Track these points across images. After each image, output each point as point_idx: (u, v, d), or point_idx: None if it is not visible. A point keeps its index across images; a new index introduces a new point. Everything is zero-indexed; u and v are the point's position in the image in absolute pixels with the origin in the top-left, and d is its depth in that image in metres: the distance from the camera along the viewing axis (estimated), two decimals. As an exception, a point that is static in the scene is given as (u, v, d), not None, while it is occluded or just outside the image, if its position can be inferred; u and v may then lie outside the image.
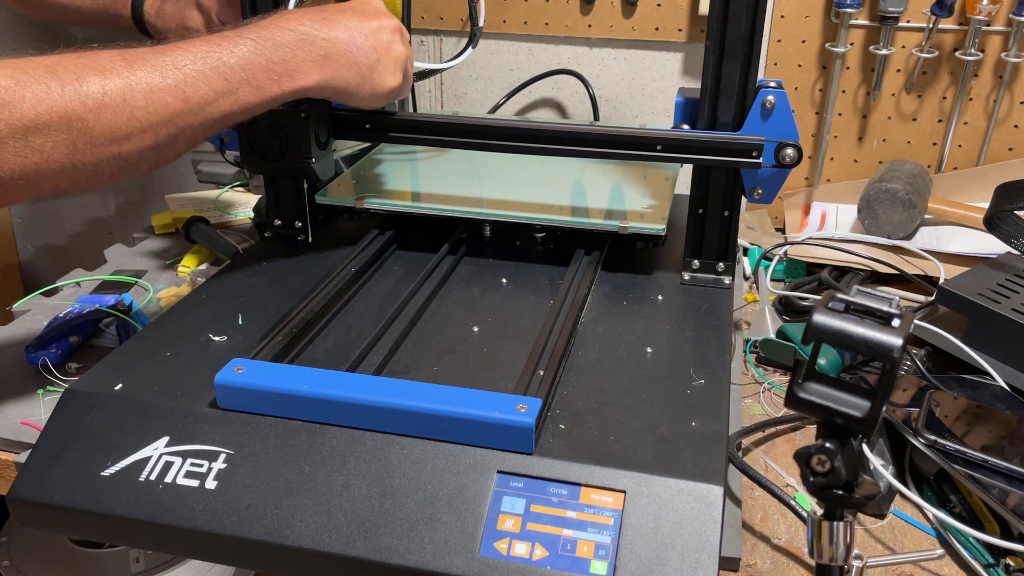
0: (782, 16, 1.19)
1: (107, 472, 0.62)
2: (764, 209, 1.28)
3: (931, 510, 0.70)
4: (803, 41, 1.20)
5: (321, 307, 0.76)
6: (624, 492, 0.57)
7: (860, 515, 0.73)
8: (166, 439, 0.63)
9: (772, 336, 0.94)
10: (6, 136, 0.56)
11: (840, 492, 0.50)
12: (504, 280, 0.85)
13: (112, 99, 0.60)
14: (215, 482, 0.61)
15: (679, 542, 0.55)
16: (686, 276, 0.85)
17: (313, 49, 0.70)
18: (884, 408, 0.48)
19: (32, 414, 0.78)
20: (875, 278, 1.08)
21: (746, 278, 1.10)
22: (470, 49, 1.00)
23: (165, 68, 0.63)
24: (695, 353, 0.72)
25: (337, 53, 0.72)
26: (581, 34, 1.28)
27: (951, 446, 0.72)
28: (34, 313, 0.97)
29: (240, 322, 0.76)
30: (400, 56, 0.78)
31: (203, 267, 1.06)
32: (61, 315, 0.92)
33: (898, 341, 0.47)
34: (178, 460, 0.62)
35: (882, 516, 0.73)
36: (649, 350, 0.73)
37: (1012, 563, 0.66)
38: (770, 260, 1.11)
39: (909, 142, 1.21)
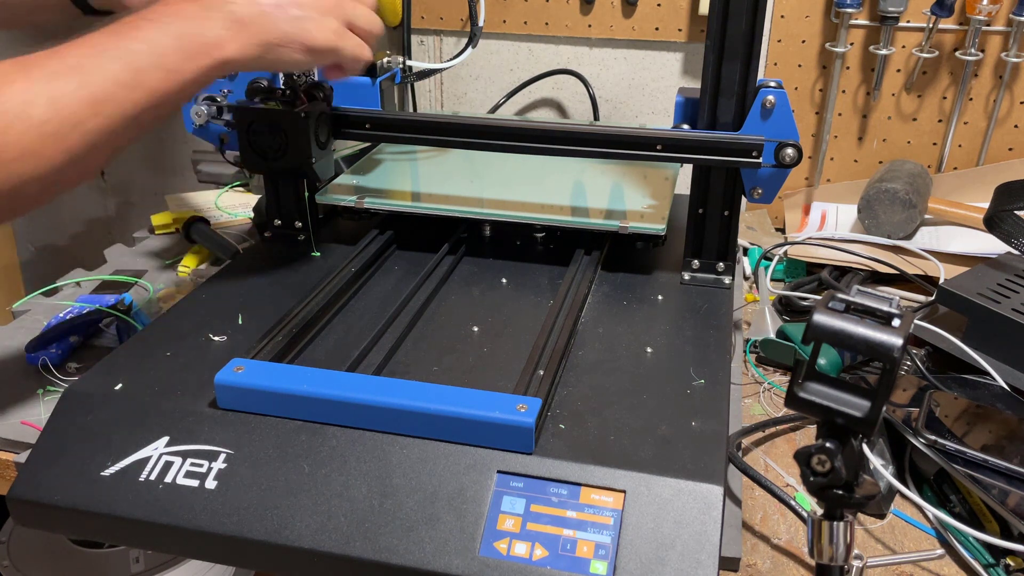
0: (782, 16, 1.19)
1: (107, 472, 0.62)
2: (764, 209, 1.28)
3: (931, 510, 0.70)
4: (803, 41, 1.20)
5: (321, 307, 0.76)
6: (624, 492, 0.57)
7: (860, 515, 0.72)
8: (166, 439, 0.63)
9: (772, 336, 0.94)
10: None
11: (840, 492, 0.50)
12: (504, 280, 0.85)
13: (11, 116, 0.55)
14: (215, 482, 0.61)
15: (679, 542, 0.55)
16: (686, 276, 0.85)
17: (224, 16, 0.63)
18: (884, 408, 0.48)
19: (32, 414, 0.78)
20: (875, 278, 1.08)
21: (746, 278, 1.10)
22: (470, 49, 1.01)
23: (63, 71, 0.58)
24: (695, 353, 0.72)
25: (252, 15, 0.65)
26: (581, 34, 1.28)
27: (951, 446, 0.72)
28: (34, 313, 0.97)
29: (240, 322, 0.76)
30: (328, 5, 0.70)
31: (203, 267, 1.06)
32: (61, 315, 0.92)
33: (898, 341, 0.47)
34: (178, 460, 0.62)
35: (882, 516, 0.73)
36: (649, 350, 0.73)
37: (1012, 563, 0.66)
38: (770, 260, 1.11)
39: (909, 142, 1.21)
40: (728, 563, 0.60)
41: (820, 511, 0.53)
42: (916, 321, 0.89)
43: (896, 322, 0.48)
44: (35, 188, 0.58)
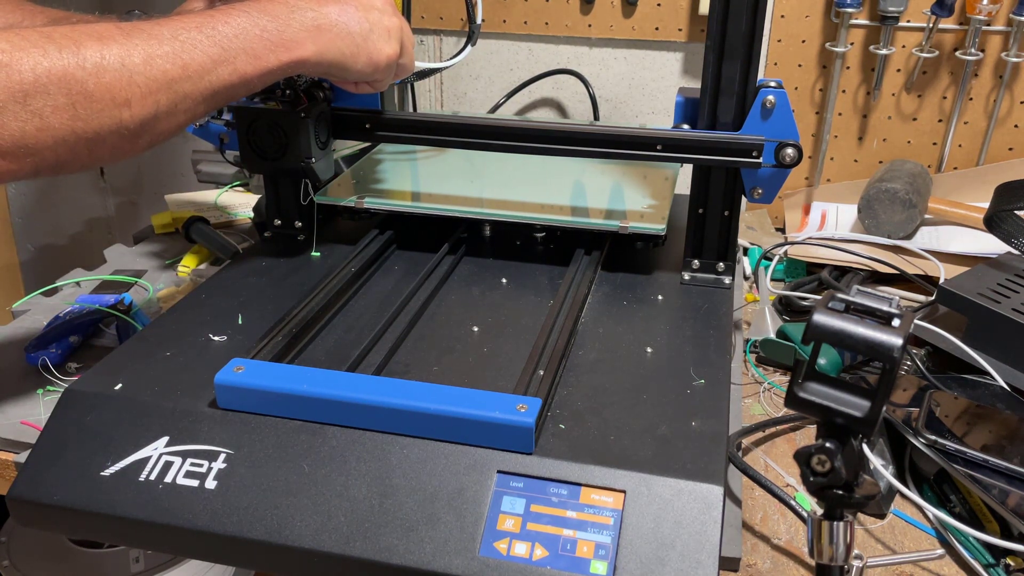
0: (782, 16, 1.19)
1: (107, 472, 0.62)
2: (764, 209, 1.28)
3: (931, 510, 0.70)
4: (803, 41, 1.20)
5: (321, 307, 0.76)
6: (624, 492, 0.57)
7: (860, 515, 0.72)
8: (166, 439, 0.63)
9: (772, 336, 0.94)
10: (5, 100, 0.55)
11: (840, 492, 0.50)
12: (504, 280, 0.85)
13: (111, 63, 0.60)
14: (215, 482, 0.61)
15: (679, 542, 0.55)
16: (686, 276, 0.85)
17: (305, 20, 0.70)
18: (884, 408, 0.48)
19: (32, 414, 0.78)
20: (875, 278, 1.08)
21: (746, 278, 1.10)
22: (469, 48, 1.00)
23: (162, 37, 0.63)
24: (695, 353, 0.72)
25: (329, 24, 0.71)
26: (581, 34, 1.28)
27: (951, 446, 0.72)
28: (34, 313, 0.97)
29: (240, 322, 0.76)
30: (393, 26, 0.77)
31: (203, 267, 1.06)
32: (61, 315, 0.92)
33: (898, 341, 0.47)
34: (178, 460, 0.62)
35: (882, 516, 0.73)
36: (649, 350, 0.73)
37: (1012, 563, 0.66)
38: (770, 260, 1.11)
39: (909, 142, 1.21)
40: (728, 563, 0.60)
41: (820, 511, 0.53)
42: (916, 321, 0.89)
43: (896, 322, 0.48)
44: (116, 139, 0.62)
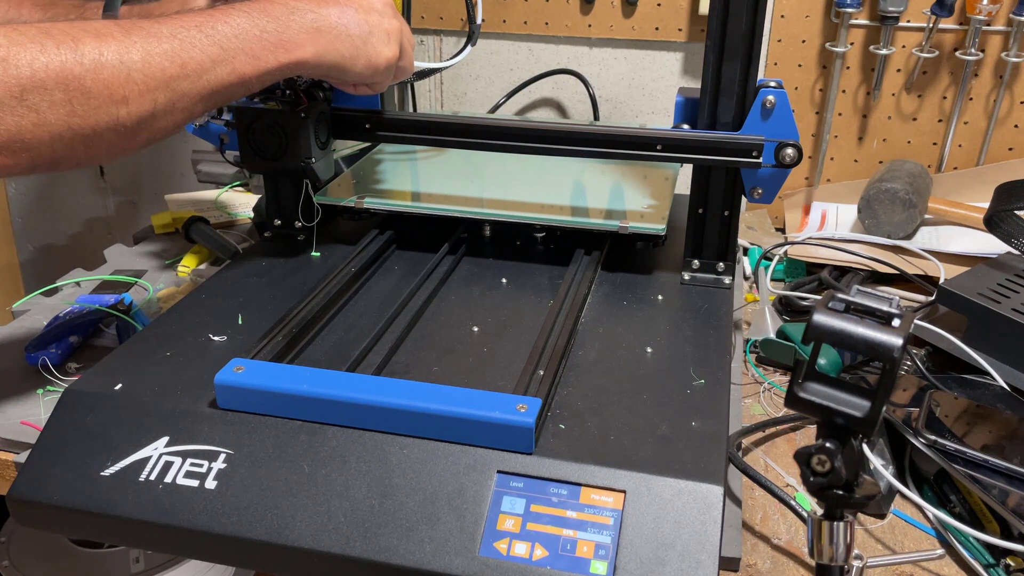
0: (782, 16, 1.19)
1: (107, 472, 0.62)
2: (764, 209, 1.28)
3: (931, 510, 0.70)
4: (803, 41, 1.20)
5: (321, 307, 0.76)
6: (624, 492, 0.57)
7: (860, 515, 0.73)
8: (166, 439, 0.63)
9: (772, 336, 0.94)
10: (2, 95, 0.55)
11: (840, 492, 0.50)
12: (504, 280, 0.85)
13: (109, 60, 0.60)
14: (215, 482, 0.61)
15: (679, 542, 0.55)
16: (686, 276, 0.85)
17: (304, 22, 0.70)
18: (884, 408, 0.48)
19: (32, 414, 0.78)
20: (875, 278, 1.08)
21: (746, 278, 1.10)
22: (469, 48, 1.00)
23: (161, 35, 0.63)
24: (695, 353, 0.72)
25: (329, 26, 0.72)
26: (581, 34, 1.28)
27: (951, 446, 0.72)
28: (34, 313, 0.97)
29: (240, 322, 0.76)
30: (393, 28, 0.77)
31: (203, 267, 1.06)
32: (61, 315, 0.92)
33: (898, 341, 0.47)
34: (178, 460, 0.62)
35: (882, 516, 0.73)
36: (649, 350, 0.73)
37: (1012, 563, 0.66)
38: (770, 260, 1.11)
39: (909, 142, 1.21)
40: (728, 563, 0.60)
41: (820, 511, 0.53)
42: (916, 321, 0.89)
43: (896, 322, 0.48)
44: (112, 136, 0.62)
